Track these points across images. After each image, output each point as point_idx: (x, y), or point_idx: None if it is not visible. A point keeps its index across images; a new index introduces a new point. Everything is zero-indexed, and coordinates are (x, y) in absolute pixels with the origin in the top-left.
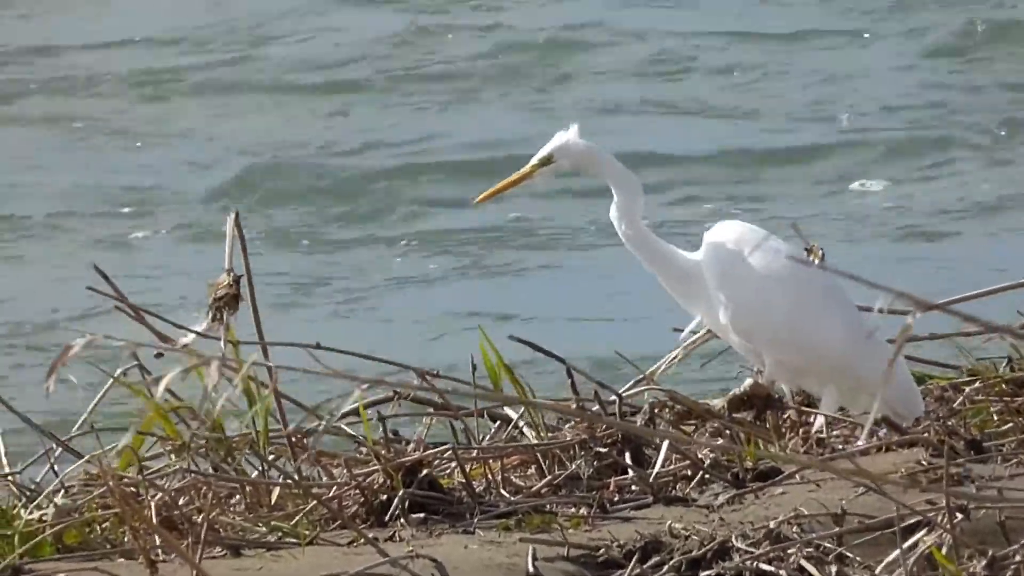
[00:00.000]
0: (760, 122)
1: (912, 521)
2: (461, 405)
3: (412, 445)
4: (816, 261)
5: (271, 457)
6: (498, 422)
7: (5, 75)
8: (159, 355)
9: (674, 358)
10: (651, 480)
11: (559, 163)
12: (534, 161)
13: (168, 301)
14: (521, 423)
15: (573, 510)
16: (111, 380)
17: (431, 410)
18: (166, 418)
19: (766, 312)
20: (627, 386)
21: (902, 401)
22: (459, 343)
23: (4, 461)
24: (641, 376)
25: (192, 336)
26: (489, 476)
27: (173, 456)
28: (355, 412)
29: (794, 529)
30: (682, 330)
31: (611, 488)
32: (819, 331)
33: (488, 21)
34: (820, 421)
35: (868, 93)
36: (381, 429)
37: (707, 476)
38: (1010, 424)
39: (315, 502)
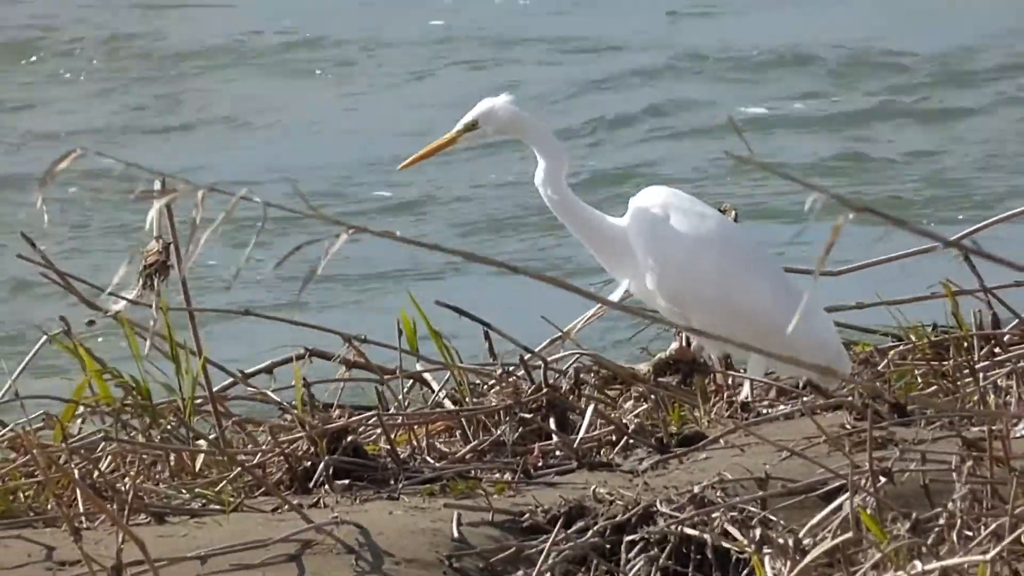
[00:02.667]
0: None
1: (836, 485)
2: (386, 369)
3: (337, 412)
4: (732, 219)
5: (196, 423)
6: (412, 381)
7: None
8: (91, 323)
9: (591, 316)
10: (575, 445)
11: (484, 128)
12: (458, 127)
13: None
14: (442, 394)
15: (498, 476)
16: (42, 340)
17: (345, 370)
18: (100, 378)
19: (693, 275)
20: (544, 344)
21: (829, 364)
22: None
23: None
24: (558, 335)
25: (123, 304)
26: (414, 442)
27: (99, 422)
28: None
29: (718, 493)
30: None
31: (535, 453)
32: (746, 292)
33: None
34: (747, 387)
35: None
36: (305, 392)
37: (631, 441)
38: (934, 387)
39: (239, 469)
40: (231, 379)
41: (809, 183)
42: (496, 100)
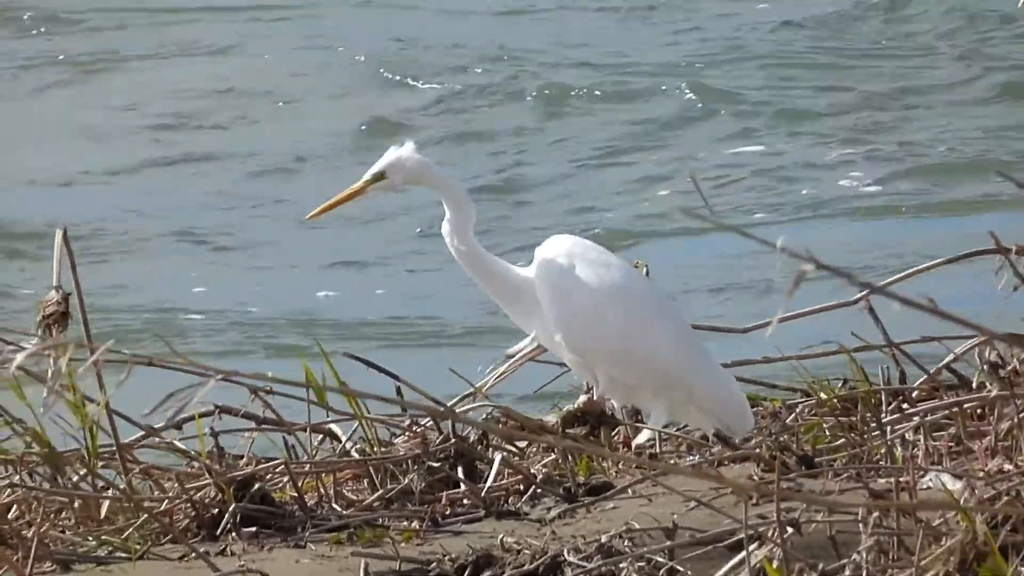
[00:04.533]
0: None
1: (743, 536)
2: (293, 422)
3: (244, 459)
4: (643, 273)
5: (101, 469)
6: (321, 436)
7: None
8: None
9: (502, 373)
10: (483, 494)
11: (392, 179)
12: (366, 177)
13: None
14: (348, 444)
15: (405, 524)
16: None
17: (257, 424)
18: None
19: (598, 326)
20: (456, 400)
21: (732, 416)
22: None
23: None
24: (470, 391)
25: (22, 354)
26: (321, 490)
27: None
28: (186, 425)
29: (626, 543)
30: (514, 355)
31: (443, 502)
32: (651, 344)
33: None
34: (644, 435)
35: None
36: (213, 443)
37: (539, 491)
38: (842, 440)
39: (146, 516)
40: (139, 431)
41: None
42: (403, 150)
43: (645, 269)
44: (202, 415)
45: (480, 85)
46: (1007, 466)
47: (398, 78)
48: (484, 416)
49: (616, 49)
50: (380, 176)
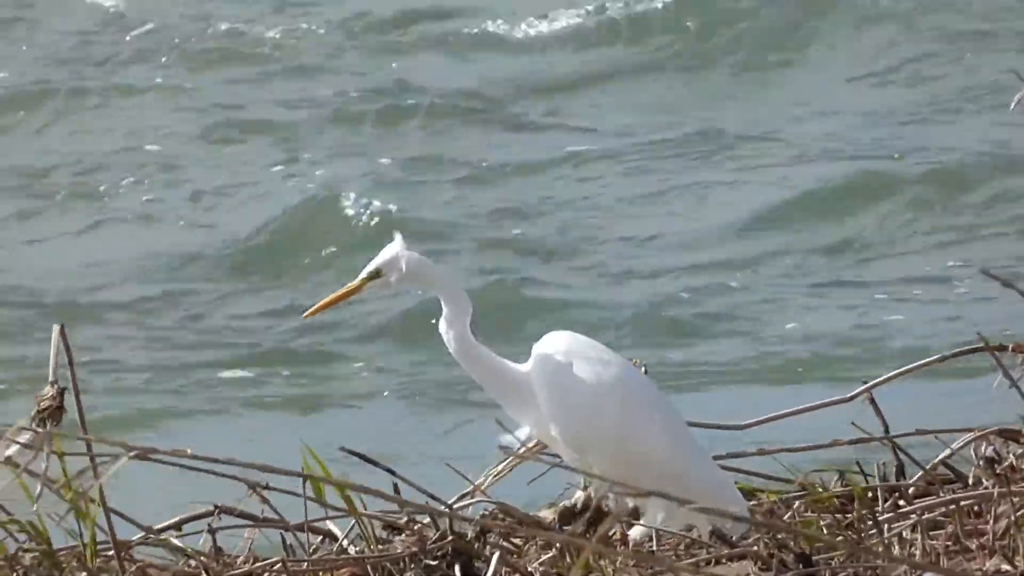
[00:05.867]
0: None
1: None
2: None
3: (241, 558)
4: (642, 372)
5: (99, 570)
6: (321, 537)
7: None
8: None
9: (500, 471)
10: None
11: (388, 277)
12: (363, 275)
13: None
14: (345, 542)
15: None
16: None
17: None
18: None
19: (595, 423)
20: (455, 498)
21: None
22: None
23: None
24: (469, 489)
25: (15, 448)
26: None
27: None
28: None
29: None
30: (508, 447)
31: None
32: (647, 441)
33: None
34: (638, 531)
35: None
36: (210, 541)
37: None
38: (840, 538)
39: None
40: (138, 532)
41: None
42: (398, 248)
43: (644, 368)
44: (201, 516)
45: None
46: (1004, 566)
47: None
48: (481, 513)
49: None
50: (377, 274)
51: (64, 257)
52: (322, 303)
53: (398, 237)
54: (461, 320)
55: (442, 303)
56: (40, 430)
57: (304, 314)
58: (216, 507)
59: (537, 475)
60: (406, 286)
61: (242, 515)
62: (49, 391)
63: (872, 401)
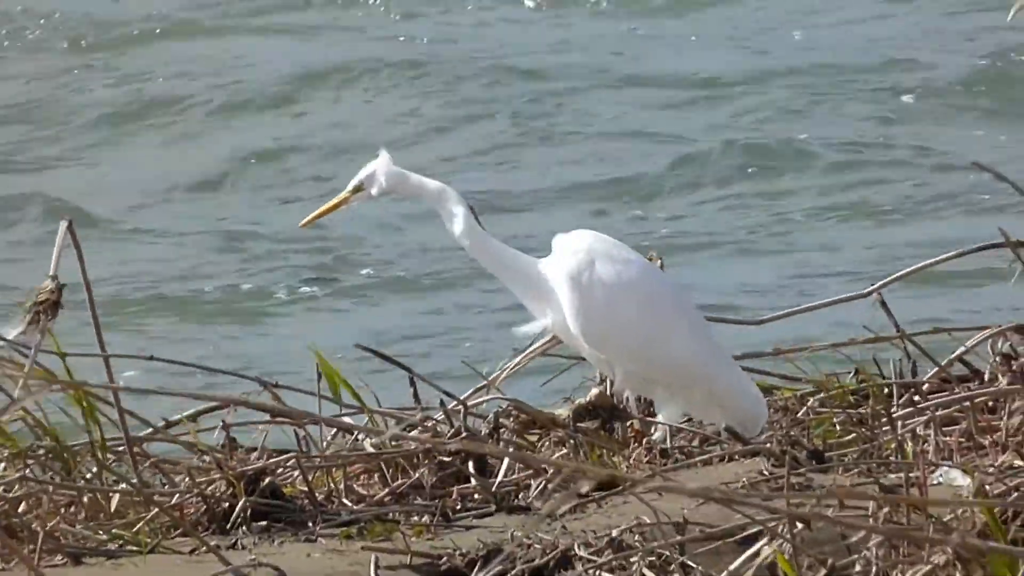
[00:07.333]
0: None
1: (754, 530)
2: (305, 412)
3: (255, 453)
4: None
5: (112, 464)
6: (335, 430)
7: None
8: None
9: (516, 364)
10: (494, 489)
11: (369, 190)
12: (348, 188)
13: None
14: (361, 436)
15: (416, 519)
16: None
17: (270, 416)
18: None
19: (616, 321)
20: (468, 393)
21: (748, 413)
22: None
23: None
24: (483, 384)
25: (13, 332)
26: (332, 485)
27: (8, 464)
28: (195, 419)
29: (636, 538)
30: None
31: (454, 497)
32: (669, 340)
33: None
34: (659, 432)
35: None
36: (223, 436)
37: (550, 485)
38: (853, 435)
39: (156, 510)
40: (151, 426)
41: None
42: (377, 162)
43: (660, 263)
44: (214, 408)
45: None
46: (1017, 462)
47: None
48: (496, 409)
49: None
50: (359, 187)
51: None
52: (313, 214)
53: (383, 152)
54: (459, 217)
55: (436, 209)
56: (33, 322)
57: (300, 223)
58: (230, 399)
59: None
60: (390, 197)
61: (259, 407)
62: (48, 284)
63: (883, 302)
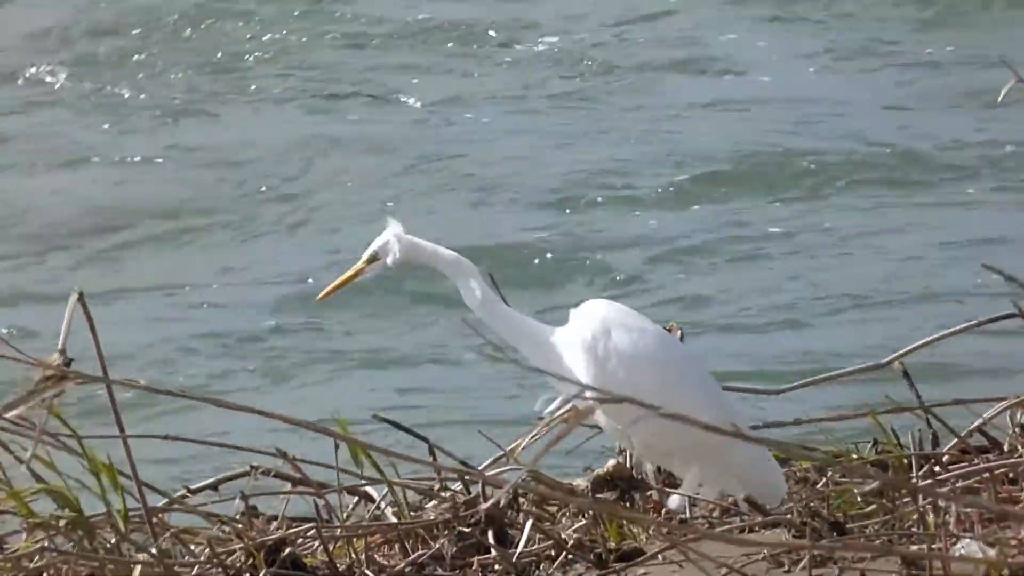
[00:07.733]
0: None
1: None
2: (324, 483)
3: (275, 523)
4: (678, 338)
5: (131, 534)
6: (356, 498)
7: None
8: None
9: (534, 435)
10: (514, 560)
11: (385, 259)
12: (363, 258)
13: None
14: (383, 504)
15: None
16: None
17: (291, 486)
18: (19, 498)
19: (633, 392)
20: (486, 463)
21: (765, 485)
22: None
23: None
24: (501, 454)
25: (14, 413)
26: (352, 555)
27: (28, 535)
28: (215, 489)
29: None
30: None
31: (474, 567)
32: (685, 411)
33: None
34: (675, 500)
35: None
36: (242, 507)
37: (570, 556)
38: (873, 506)
39: None
40: (169, 497)
41: None
42: (389, 231)
43: (680, 333)
44: (234, 477)
45: None
46: None
47: None
48: (515, 480)
49: None
50: (374, 258)
51: None
52: (331, 287)
53: (392, 222)
54: (476, 287)
55: (450, 278)
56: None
57: (318, 297)
58: (252, 467)
59: (573, 446)
60: (405, 266)
61: (279, 475)
62: (56, 359)
63: (905, 372)
